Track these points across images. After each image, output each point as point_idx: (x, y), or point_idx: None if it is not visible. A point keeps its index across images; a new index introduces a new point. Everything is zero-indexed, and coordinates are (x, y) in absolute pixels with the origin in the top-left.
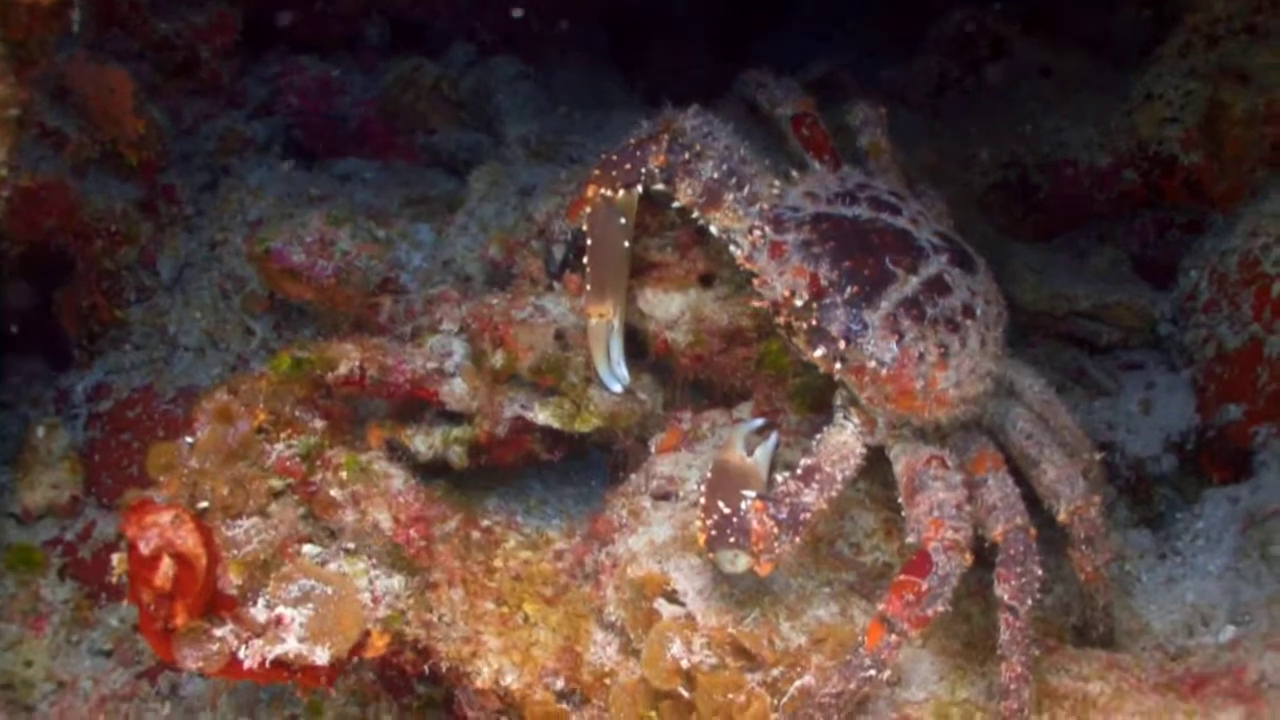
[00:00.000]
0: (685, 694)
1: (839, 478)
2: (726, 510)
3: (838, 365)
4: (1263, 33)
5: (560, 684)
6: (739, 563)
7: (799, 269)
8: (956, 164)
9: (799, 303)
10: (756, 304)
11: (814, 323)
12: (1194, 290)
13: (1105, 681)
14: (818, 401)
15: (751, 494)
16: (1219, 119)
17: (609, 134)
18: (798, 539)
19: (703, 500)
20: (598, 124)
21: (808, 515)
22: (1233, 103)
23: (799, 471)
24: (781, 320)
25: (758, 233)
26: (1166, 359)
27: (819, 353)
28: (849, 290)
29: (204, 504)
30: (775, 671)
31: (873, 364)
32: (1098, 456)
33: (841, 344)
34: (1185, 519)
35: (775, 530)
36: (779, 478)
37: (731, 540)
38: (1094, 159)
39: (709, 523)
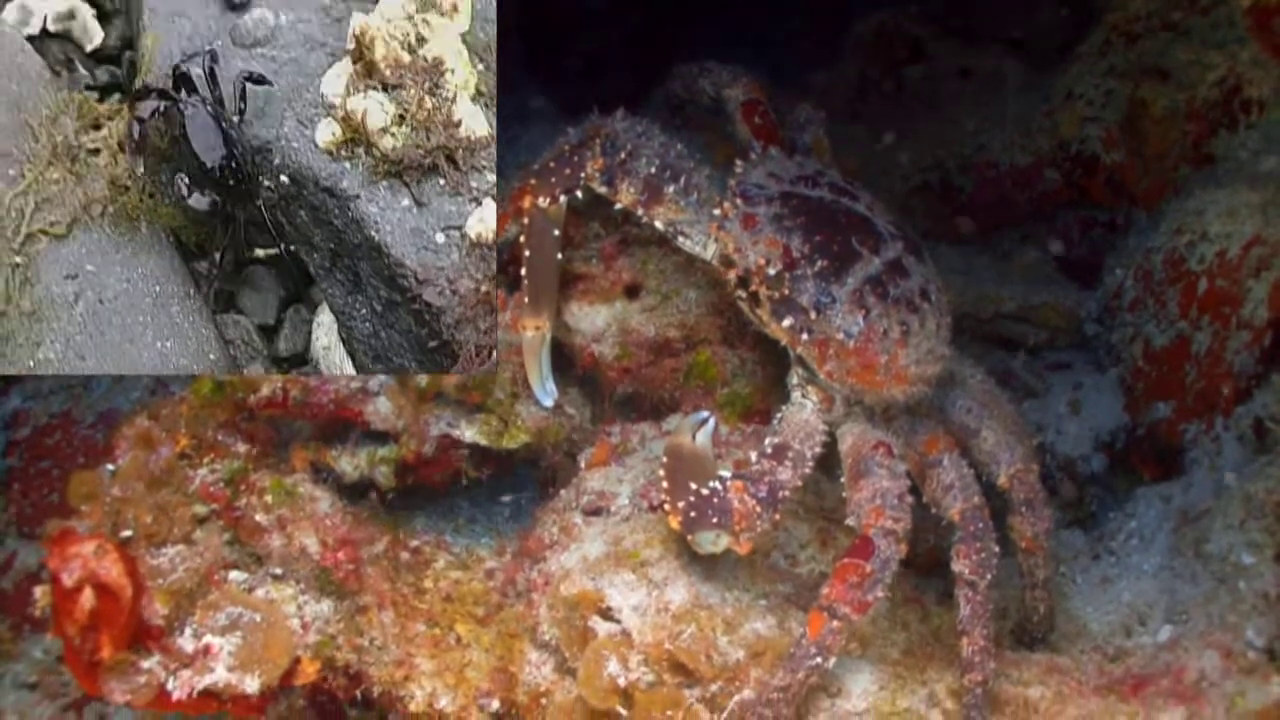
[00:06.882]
0: (623, 712)
1: (808, 455)
2: (704, 491)
3: (804, 336)
4: (1182, 30)
5: (495, 705)
6: (720, 542)
7: (772, 240)
8: (878, 168)
9: (772, 272)
10: (728, 272)
11: (784, 293)
12: (1120, 289)
13: (1046, 686)
14: (746, 411)
15: (727, 474)
16: (1140, 117)
17: (528, 146)
18: (777, 516)
19: (666, 483)
20: (514, 136)
21: (785, 493)
22: (1153, 100)
23: (769, 450)
24: (749, 290)
25: (728, 204)
26: (1094, 359)
27: (786, 323)
28: (819, 264)
29: (127, 532)
30: (714, 687)
31: (840, 336)
32: (1036, 441)
33: (811, 314)
34: (1118, 519)
35: (757, 509)
36: (751, 456)
37: (714, 520)
38: (1015, 160)
39: (682, 504)
